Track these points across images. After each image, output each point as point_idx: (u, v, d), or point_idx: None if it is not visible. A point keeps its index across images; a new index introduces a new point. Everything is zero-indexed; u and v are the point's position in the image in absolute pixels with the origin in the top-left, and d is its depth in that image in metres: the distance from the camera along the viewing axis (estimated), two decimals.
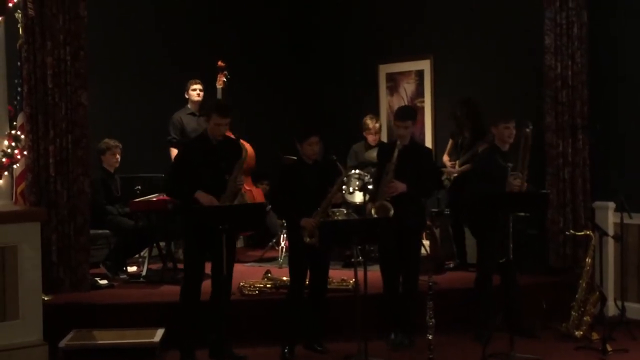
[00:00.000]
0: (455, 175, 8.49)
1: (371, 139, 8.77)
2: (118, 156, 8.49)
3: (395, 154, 6.85)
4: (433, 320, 6.28)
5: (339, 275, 7.67)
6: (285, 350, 6.74)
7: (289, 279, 6.93)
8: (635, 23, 8.00)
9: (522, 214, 6.93)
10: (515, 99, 8.76)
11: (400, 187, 6.86)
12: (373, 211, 6.82)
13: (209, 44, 10.12)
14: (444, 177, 8.57)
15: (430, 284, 6.32)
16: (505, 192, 6.91)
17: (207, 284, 6.68)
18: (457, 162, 8.50)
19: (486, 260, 7.21)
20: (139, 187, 8.59)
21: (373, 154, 8.30)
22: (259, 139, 9.24)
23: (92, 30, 7.67)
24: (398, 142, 6.92)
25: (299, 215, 6.69)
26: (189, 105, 8.99)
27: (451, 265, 8.61)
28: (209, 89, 8.96)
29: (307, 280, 6.91)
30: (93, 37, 7.78)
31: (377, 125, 8.85)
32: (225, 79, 8.95)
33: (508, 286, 7.11)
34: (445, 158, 8.74)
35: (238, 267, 8.28)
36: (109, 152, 8.44)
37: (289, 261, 6.93)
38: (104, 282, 7.81)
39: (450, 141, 8.75)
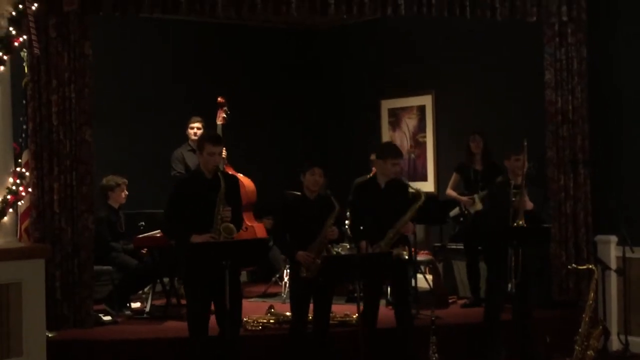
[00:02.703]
0: (478, 209, 8.28)
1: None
2: (126, 192, 8.53)
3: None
4: (436, 355, 6.28)
5: (342, 310, 7.67)
6: None
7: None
8: (634, 58, 8.08)
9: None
10: (516, 134, 8.79)
11: (412, 227, 6.94)
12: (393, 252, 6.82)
13: (213, 81, 10.22)
14: (455, 211, 8.50)
15: (433, 318, 6.33)
16: (508, 227, 6.96)
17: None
18: (476, 196, 8.33)
19: (492, 293, 7.26)
20: (143, 223, 8.62)
21: None
22: (262, 174, 9.30)
23: (96, 67, 7.73)
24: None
25: (298, 249, 6.72)
26: (189, 142, 9.06)
27: (465, 303, 8.55)
28: (210, 125, 9.02)
29: (311, 315, 6.92)
30: (97, 74, 7.83)
31: None
32: (225, 115, 9.00)
33: (521, 320, 7.13)
34: (451, 192, 8.68)
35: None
36: (118, 189, 8.46)
37: (290, 296, 6.95)
38: (108, 318, 7.81)
39: (455, 175, 8.70)
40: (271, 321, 7.47)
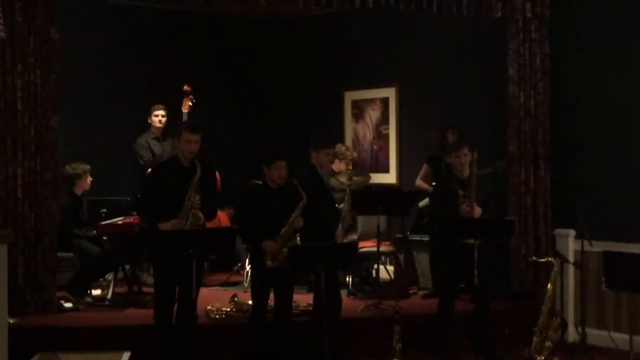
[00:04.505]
0: None
1: (343, 167, 8.81)
2: (90, 178, 8.49)
3: None
4: (400, 344, 6.36)
5: (305, 300, 7.73)
6: None
7: None
8: (595, 56, 8.22)
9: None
10: (479, 128, 8.92)
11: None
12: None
13: (177, 69, 10.20)
14: (424, 202, 8.54)
15: (397, 308, 6.40)
16: (468, 218, 7.04)
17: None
18: None
19: (443, 284, 7.40)
20: (105, 210, 8.60)
21: (342, 179, 8.40)
22: (225, 164, 9.29)
23: (62, 53, 7.67)
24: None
25: (262, 238, 6.74)
26: (152, 130, 9.03)
27: (426, 293, 8.62)
28: (175, 113, 9.00)
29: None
30: (63, 60, 7.77)
31: (355, 154, 9.00)
32: (191, 104, 8.99)
33: (480, 313, 7.23)
34: (421, 183, 8.69)
35: (203, 291, 8.31)
36: (84, 176, 8.42)
37: (252, 284, 6.98)
38: (69, 305, 7.76)
39: (426, 166, 8.72)
40: (234, 310, 7.50)
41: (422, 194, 8.59)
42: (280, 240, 6.74)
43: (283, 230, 6.76)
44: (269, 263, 6.71)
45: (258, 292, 6.87)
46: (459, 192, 7.07)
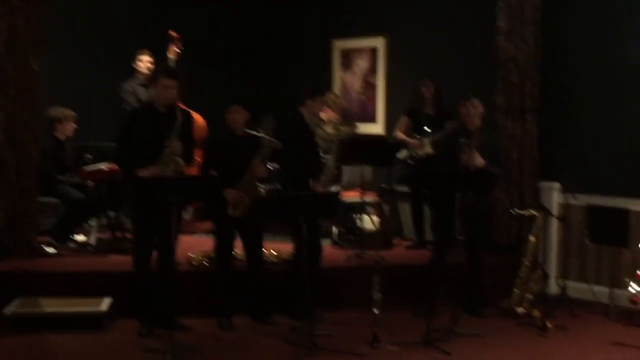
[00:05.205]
0: (427, 152, 8.32)
1: (333, 115, 8.73)
2: (74, 125, 8.41)
3: None
4: (379, 294, 6.37)
5: (289, 249, 7.71)
6: (223, 321, 6.79)
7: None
8: (587, 7, 8.13)
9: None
10: (468, 79, 8.85)
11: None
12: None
13: (164, 14, 10.06)
14: (404, 154, 8.52)
15: (377, 259, 6.40)
16: (454, 170, 7.04)
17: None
18: (427, 139, 8.31)
19: (437, 236, 7.46)
20: (90, 155, 8.53)
21: (328, 128, 8.34)
22: (215, 113, 9.20)
23: None
24: None
25: (224, 186, 6.70)
26: (138, 76, 8.93)
27: (409, 244, 8.65)
28: (161, 59, 8.89)
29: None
30: (46, 3, 7.67)
31: (345, 103, 8.94)
32: (178, 50, 8.88)
33: (471, 264, 7.26)
34: (400, 134, 8.61)
35: (187, 239, 8.32)
36: (66, 121, 8.32)
37: (215, 233, 6.95)
38: (52, 250, 7.76)
39: (405, 118, 8.62)
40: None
41: (401, 145, 8.54)
42: (242, 189, 6.70)
43: (244, 178, 6.72)
44: (231, 211, 6.68)
45: (221, 240, 6.86)
46: (462, 141, 7.08)
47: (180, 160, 6.48)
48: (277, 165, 7.37)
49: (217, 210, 6.85)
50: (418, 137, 8.43)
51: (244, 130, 6.86)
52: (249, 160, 6.76)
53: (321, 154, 7.56)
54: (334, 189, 7.51)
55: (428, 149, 8.29)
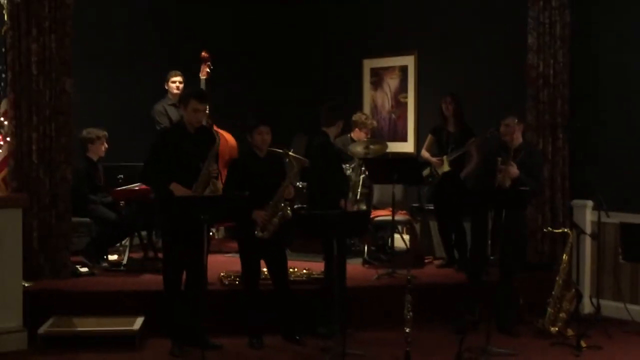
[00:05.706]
0: (445, 171, 8.32)
1: (362, 135, 8.75)
2: (106, 145, 8.50)
3: None
4: (411, 313, 6.33)
5: (320, 268, 7.71)
6: (254, 341, 6.78)
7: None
8: (617, 23, 8.09)
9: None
10: (498, 97, 8.83)
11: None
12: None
13: (196, 35, 10.17)
14: (426, 172, 8.50)
15: (409, 277, 6.37)
16: (485, 190, 7.02)
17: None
18: (445, 157, 8.32)
19: (472, 254, 7.47)
20: (122, 175, 8.61)
21: (357, 148, 8.35)
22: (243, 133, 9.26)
23: (77, 18, 7.66)
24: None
25: (252, 207, 6.66)
26: (169, 96, 9.02)
27: (441, 263, 8.59)
28: (192, 79, 8.97)
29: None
30: (78, 25, 7.77)
31: (375, 123, 8.96)
32: (209, 70, 8.96)
33: (505, 283, 7.20)
34: (424, 153, 8.59)
35: (218, 258, 8.37)
36: (98, 142, 8.42)
37: (240, 254, 6.91)
38: (85, 269, 7.82)
39: (430, 136, 8.61)
40: None
41: (425, 164, 8.53)
42: (270, 210, 6.71)
43: (273, 199, 6.71)
44: (259, 233, 6.69)
45: (248, 261, 6.84)
46: (500, 159, 7.10)
47: (219, 183, 6.52)
48: (305, 184, 7.38)
49: (245, 231, 6.83)
50: (440, 155, 8.41)
51: (268, 150, 6.88)
52: (271, 180, 6.76)
53: (349, 173, 7.57)
54: (362, 207, 7.49)
55: (446, 167, 8.29)
